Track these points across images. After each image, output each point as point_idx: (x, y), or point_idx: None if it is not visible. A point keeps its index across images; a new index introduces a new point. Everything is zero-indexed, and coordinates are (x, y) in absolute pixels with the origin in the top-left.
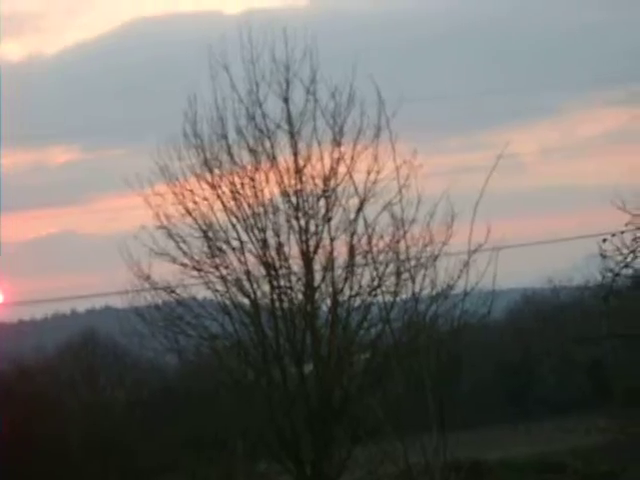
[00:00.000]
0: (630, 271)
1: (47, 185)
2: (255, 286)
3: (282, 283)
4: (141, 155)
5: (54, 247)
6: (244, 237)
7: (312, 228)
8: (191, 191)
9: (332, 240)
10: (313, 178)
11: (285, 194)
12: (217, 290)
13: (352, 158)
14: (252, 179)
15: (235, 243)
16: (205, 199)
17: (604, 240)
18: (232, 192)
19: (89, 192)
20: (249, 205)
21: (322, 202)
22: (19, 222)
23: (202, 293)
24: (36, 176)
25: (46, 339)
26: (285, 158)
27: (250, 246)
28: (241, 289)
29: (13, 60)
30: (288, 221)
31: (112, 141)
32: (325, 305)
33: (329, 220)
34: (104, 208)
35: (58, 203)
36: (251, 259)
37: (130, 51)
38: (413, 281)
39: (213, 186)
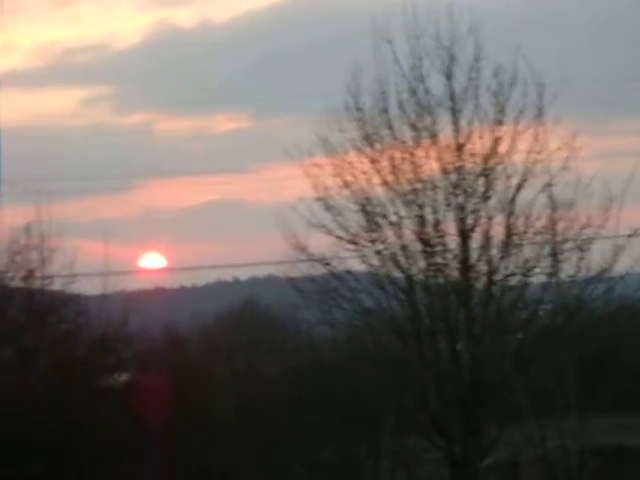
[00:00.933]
0: None
1: (211, 152)
2: (411, 262)
3: (438, 260)
4: (304, 126)
5: (216, 214)
6: (402, 212)
7: (470, 206)
8: (350, 164)
9: (490, 219)
10: (473, 156)
11: (444, 171)
12: (372, 264)
13: (513, 138)
14: (412, 155)
15: (392, 218)
16: (364, 173)
17: None
18: (391, 167)
19: (253, 161)
20: (408, 181)
21: (481, 180)
22: (181, 188)
23: (357, 267)
24: (200, 143)
25: (206, 306)
26: (446, 135)
27: (407, 222)
28: (396, 264)
29: (185, 26)
30: (446, 198)
31: (277, 111)
32: (480, 284)
33: (487, 199)
34: (267, 177)
35: (221, 171)
36: (408, 235)
37: (296, 22)
38: (568, 264)
39: (373, 160)
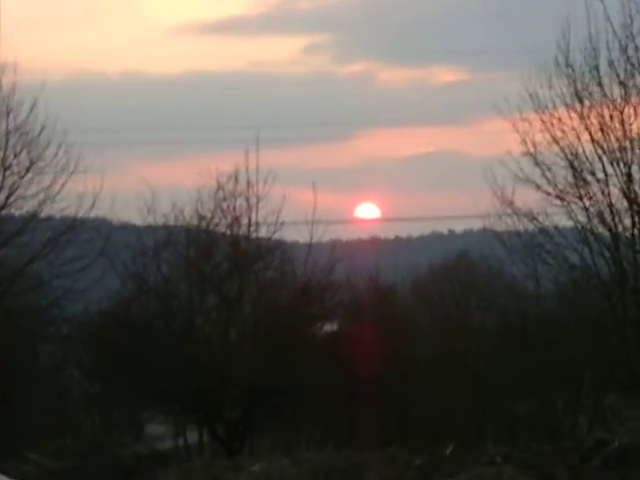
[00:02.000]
0: None
1: (428, 104)
2: (617, 219)
3: None
4: (515, 81)
5: (432, 165)
6: (609, 170)
7: None
8: (559, 120)
9: None
10: None
11: None
12: (578, 221)
13: None
14: (621, 112)
15: (600, 175)
16: (573, 129)
17: None
18: (600, 124)
19: (469, 113)
20: (616, 138)
21: None
22: (398, 139)
23: (563, 222)
24: (418, 94)
25: (420, 257)
26: None
27: (614, 179)
28: (602, 221)
29: None
30: None
31: (494, 64)
32: None
33: None
34: (482, 130)
35: (438, 122)
36: (614, 192)
37: None
38: None
39: (582, 116)
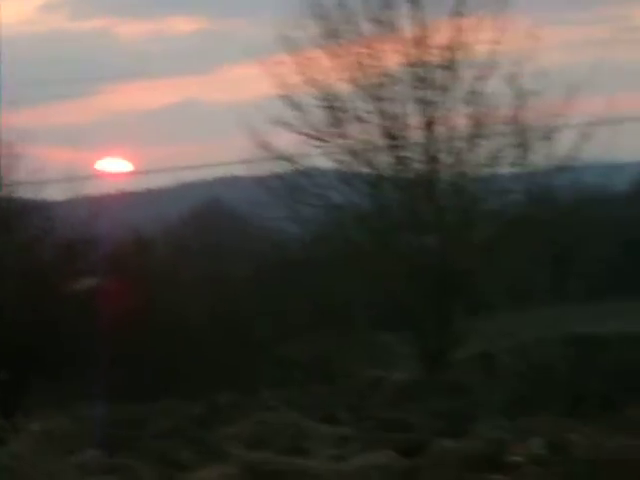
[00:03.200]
0: None
1: (170, 55)
2: (377, 156)
3: (403, 153)
4: (263, 25)
5: (178, 116)
6: (366, 107)
7: (433, 98)
8: (313, 61)
9: (453, 110)
10: (436, 49)
11: (407, 64)
12: (339, 160)
13: (475, 29)
14: (374, 49)
15: (357, 113)
16: (327, 69)
17: None
18: (354, 62)
19: (212, 62)
20: (371, 75)
21: (445, 73)
22: (141, 91)
23: (323, 163)
24: (159, 45)
25: (171, 208)
26: (407, 28)
27: (372, 116)
28: (363, 159)
29: None
30: (409, 91)
31: (234, 11)
32: (446, 176)
33: (451, 91)
34: (228, 78)
35: (181, 72)
36: (372, 129)
37: None
38: (535, 153)
39: (335, 56)
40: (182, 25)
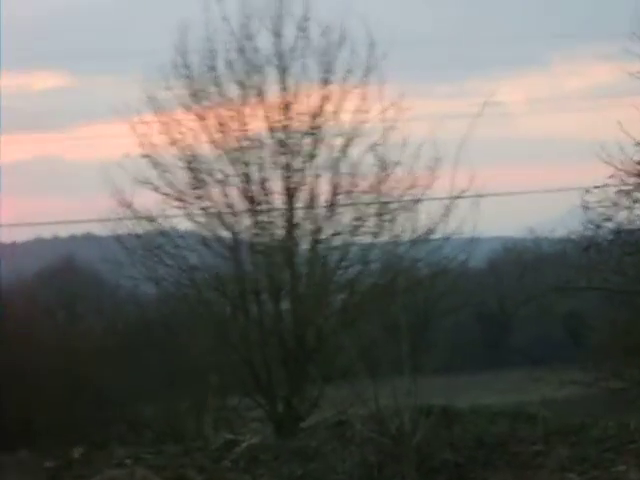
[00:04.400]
0: (612, 224)
1: (29, 110)
2: (236, 220)
3: (263, 218)
4: (129, 84)
5: (37, 171)
6: (228, 170)
7: (296, 165)
8: (178, 121)
9: (316, 178)
10: (300, 115)
11: (271, 129)
12: (198, 222)
13: (340, 97)
14: (239, 113)
15: (219, 176)
16: (191, 130)
17: (587, 192)
18: (218, 124)
19: (75, 119)
20: (235, 138)
21: (308, 139)
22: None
23: (183, 224)
24: (19, 100)
25: (26, 263)
26: (273, 94)
27: (233, 179)
28: (222, 222)
29: None
30: (273, 157)
31: (100, 69)
32: (305, 243)
33: (314, 158)
34: (89, 135)
35: (43, 128)
36: (234, 193)
37: None
38: (394, 223)
39: (200, 118)
40: (46, 80)
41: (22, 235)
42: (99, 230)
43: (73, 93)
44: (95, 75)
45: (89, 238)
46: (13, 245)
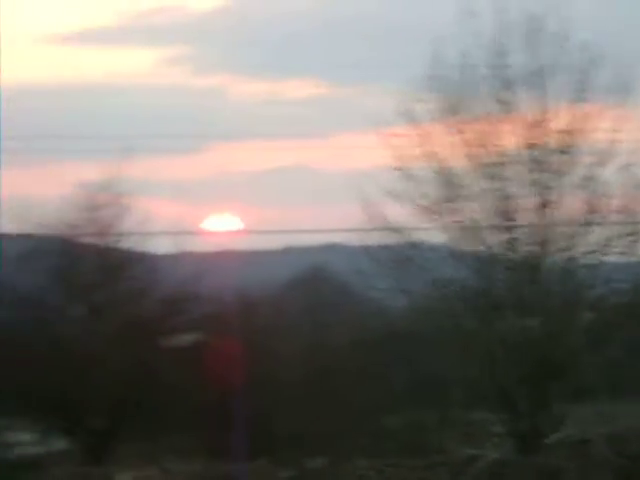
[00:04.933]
0: None
1: (284, 117)
2: (488, 235)
3: (515, 234)
4: (382, 95)
5: (289, 179)
6: (481, 185)
7: (549, 182)
8: (431, 135)
9: (569, 196)
10: (555, 133)
11: (526, 146)
12: (449, 235)
13: (594, 116)
14: (494, 128)
15: (472, 190)
16: (445, 144)
17: None
18: (473, 139)
19: (327, 127)
20: (489, 154)
21: (562, 157)
22: (255, 152)
23: (434, 237)
24: (272, 108)
25: (276, 271)
26: (528, 110)
27: (487, 195)
28: (474, 236)
29: None
30: (527, 173)
31: (355, 79)
32: (555, 260)
33: (567, 175)
34: (343, 145)
35: (294, 136)
36: (486, 207)
37: None
38: None
39: (454, 132)
40: (298, 88)
41: (271, 243)
42: (349, 240)
43: (327, 102)
44: (350, 84)
45: (339, 248)
46: (262, 252)
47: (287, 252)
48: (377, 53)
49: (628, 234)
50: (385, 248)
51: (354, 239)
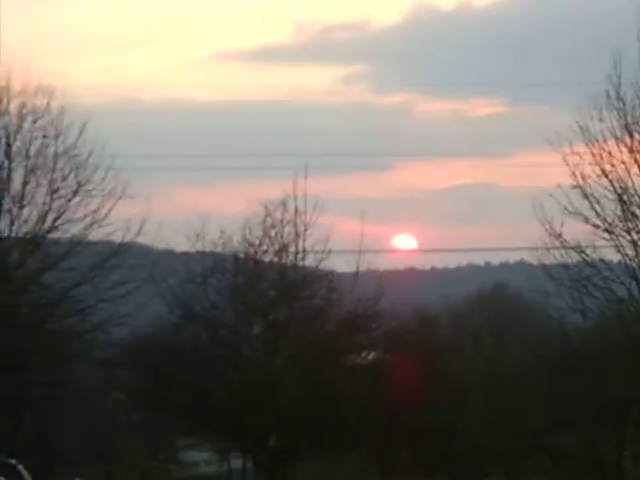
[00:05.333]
0: None
1: (467, 136)
2: None
3: None
4: (562, 113)
5: (470, 197)
6: None
7: None
8: (609, 153)
9: None
10: None
11: None
12: (627, 254)
13: None
14: None
15: None
16: (623, 162)
17: None
18: None
19: (509, 146)
20: None
21: None
22: (437, 170)
23: (611, 256)
24: (457, 126)
25: (457, 288)
26: None
27: None
28: None
29: (445, 9)
30: None
31: (536, 97)
32: None
33: None
34: (523, 163)
35: (477, 154)
36: None
37: (557, 8)
38: None
39: (632, 150)
40: (482, 107)
41: (454, 261)
42: (531, 258)
43: (509, 120)
44: (530, 103)
45: (521, 266)
46: (446, 270)
47: (469, 269)
48: (557, 72)
49: None
50: (563, 267)
51: (534, 258)
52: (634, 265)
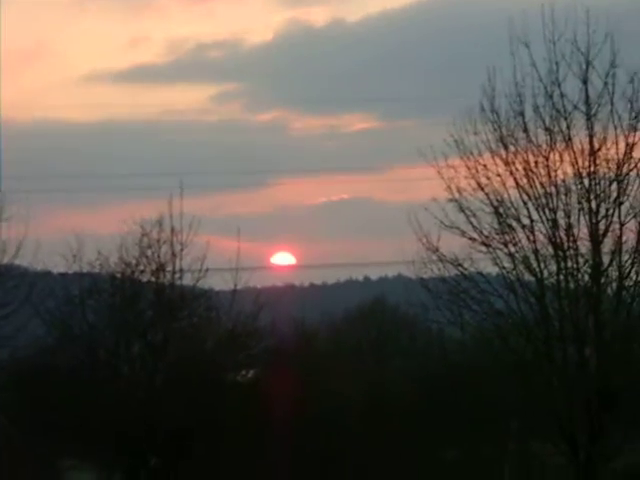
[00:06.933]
0: None
1: (341, 151)
2: (542, 265)
3: (569, 264)
4: (435, 127)
5: (346, 212)
6: (534, 216)
7: (602, 211)
8: (484, 166)
9: (622, 225)
10: (607, 161)
11: (578, 175)
12: (504, 267)
13: None
14: (546, 158)
15: (525, 221)
16: (498, 175)
17: None
18: (525, 170)
19: (384, 160)
20: (541, 184)
21: (614, 186)
22: (312, 186)
23: (489, 269)
24: (331, 142)
25: (336, 304)
26: (580, 140)
27: (540, 225)
28: (528, 267)
29: (317, 25)
30: (579, 203)
31: (409, 112)
32: (610, 289)
33: (620, 204)
34: (398, 177)
35: (351, 169)
36: (540, 238)
37: (431, 23)
38: None
39: (507, 163)
40: (357, 123)
41: (333, 276)
42: (408, 272)
43: (383, 135)
44: (401, 118)
45: (399, 280)
46: (325, 286)
47: (344, 285)
48: (430, 86)
49: None
50: (441, 280)
51: (411, 272)
52: (511, 277)
